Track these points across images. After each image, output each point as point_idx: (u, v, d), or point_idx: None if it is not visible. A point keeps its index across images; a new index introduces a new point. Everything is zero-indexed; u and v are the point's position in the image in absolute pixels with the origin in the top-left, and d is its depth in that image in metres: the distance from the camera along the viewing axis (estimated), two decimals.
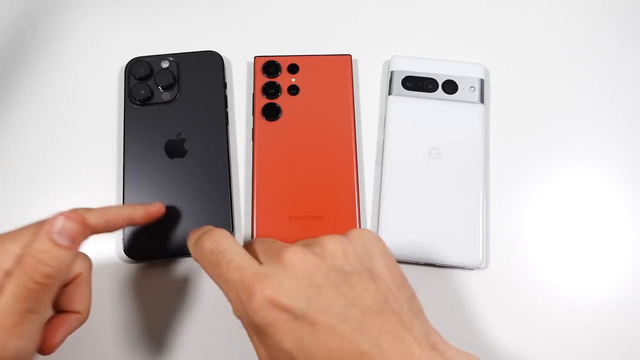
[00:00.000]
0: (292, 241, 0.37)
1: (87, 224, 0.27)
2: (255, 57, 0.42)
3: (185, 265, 0.38)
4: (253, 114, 0.41)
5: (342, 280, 0.26)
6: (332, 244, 0.27)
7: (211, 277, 0.28)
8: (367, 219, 0.39)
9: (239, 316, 0.27)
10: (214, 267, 0.27)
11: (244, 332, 0.36)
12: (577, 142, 0.42)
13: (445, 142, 0.40)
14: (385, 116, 0.41)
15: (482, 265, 0.37)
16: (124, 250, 0.37)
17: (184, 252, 0.37)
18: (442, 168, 0.39)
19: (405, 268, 0.38)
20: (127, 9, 0.45)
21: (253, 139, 0.40)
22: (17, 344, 0.24)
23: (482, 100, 0.41)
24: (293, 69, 0.42)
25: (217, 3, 0.45)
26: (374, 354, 0.23)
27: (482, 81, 0.41)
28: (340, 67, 0.42)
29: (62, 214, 0.27)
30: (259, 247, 0.29)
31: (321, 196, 0.38)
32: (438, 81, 0.41)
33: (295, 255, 0.26)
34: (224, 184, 0.39)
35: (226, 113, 0.41)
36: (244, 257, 0.27)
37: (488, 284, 0.38)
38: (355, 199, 0.38)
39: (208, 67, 0.42)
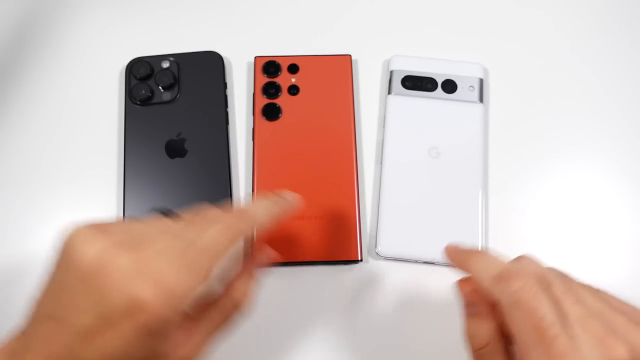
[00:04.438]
0: (292, 241, 0.37)
1: None
2: (255, 57, 0.42)
3: None
4: (253, 114, 0.41)
5: None
6: None
7: (519, 337, 0.24)
8: (367, 218, 0.39)
9: None
10: (536, 339, 0.23)
11: (245, 332, 0.36)
12: (577, 141, 0.42)
13: (445, 142, 0.40)
14: (384, 115, 0.41)
15: None
16: None
17: None
18: (441, 167, 0.39)
19: (404, 267, 0.38)
20: (127, 8, 0.45)
21: (253, 139, 0.40)
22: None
23: (481, 100, 0.41)
24: (293, 69, 0.42)
25: (218, 3, 0.46)
26: None
27: (481, 80, 0.42)
28: (340, 67, 0.42)
29: None
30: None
31: (321, 196, 0.38)
32: (437, 80, 0.41)
33: None
34: (224, 184, 0.39)
35: (226, 113, 0.41)
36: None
37: None
38: (355, 199, 0.38)
39: (208, 67, 0.42)
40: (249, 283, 0.28)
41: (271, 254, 0.30)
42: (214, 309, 0.27)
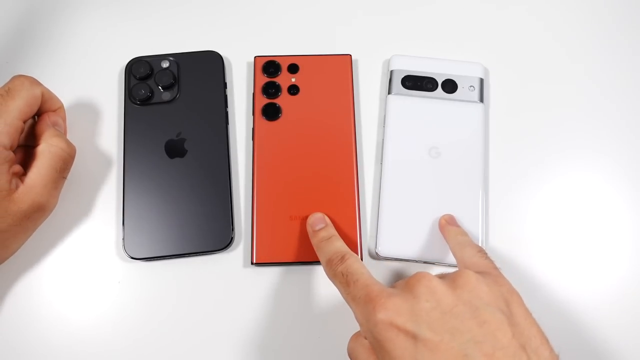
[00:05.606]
0: (291, 241, 0.37)
1: None
2: (255, 57, 0.42)
3: (185, 265, 0.38)
4: (253, 114, 0.41)
5: (470, 313, 0.25)
6: (465, 276, 0.27)
7: (343, 297, 0.29)
8: (367, 218, 0.39)
9: (364, 334, 0.27)
10: (344, 286, 0.29)
11: (245, 332, 0.36)
12: (577, 141, 0.42)
13: (445, 141, 0.40)
14: (385, 115, 0.41)
15: None
16: (125, 250, 0.37)
17: (184, 252, 0.37)
18: (441, 167, 0.39)
19: (404, 267, 0.38)
20: (127, 8, 0.45)
21: (253, 139, 0.40)
22: None
23: (481, 100, 0.41)
24: (293, 68, 0.42)
25: (218, 3, 0.46)
26: None
27: (481, 80, 0.41)
28: (340, 66, 0.42)
29: None
30: (396, 283, 0.30)
31: (321, 196, 0.38)
32: (438, 80, 0.41)
33: (423, 278, 0.27)
34: (224, 184, 0.39)
35: (226, 113, 0.41)
36: (371, 278, 0.29)
37: None
38: (355, 198, 0.38)
39: (208, 67, 0.42)
40: (46, 126, 0.36)
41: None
42: (35, 155, 0.35)
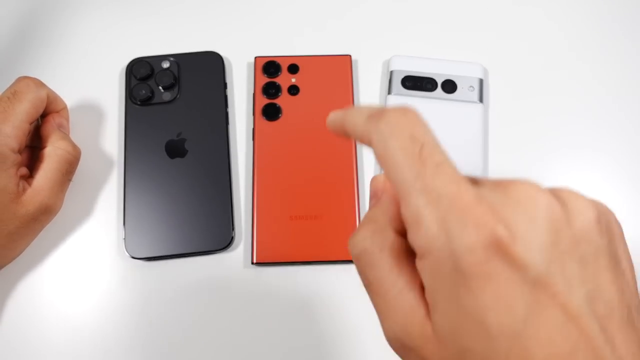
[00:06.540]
0: (291, 241, 0.37)
1: None
2: (255, 57, 0.42)
3: (185, 265, 0.38)
4: (253, 114, 0.41)
5: (591, 257, 0.17)
6: (583, 202, 0.18)
7: (394, 169, 0.18)
8: None
9: (426, 246, 0.17)
10: (410, 158, 0.18)
11: (245, 332, 0.36)
12: (577, 141, 0.42)
13: (445, 142, 0.39)
14: None
15: None
16: (126, 250, 0.37)
17: (184, 252, 0.37)
18: None
19: None
20: (128, 9, 0.45)
21: (253, 139, 0.40)
22: None
23: (481, 100, 0.41)
24: (293, 69, 0.42)
25: (218, 3, 0.46)
26: None
27: (481, 81, 0.42)
28: (340, 67, 0.42)
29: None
30: (482, 184, 0.19)
31: (321, 196, 0.38)
32: (437, 81, 0.41)
33: (538, 195, 0.17)
34: (224, 184, 0.39)
35: (226, 113, 0.41)
36: (456, 168, 0.19)
37: None
38: (355, 199, 0.38)
39: (208, 67, 0.42)
40: (52, 128, 0.37)
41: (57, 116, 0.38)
42: (42, 158, 0.35)
